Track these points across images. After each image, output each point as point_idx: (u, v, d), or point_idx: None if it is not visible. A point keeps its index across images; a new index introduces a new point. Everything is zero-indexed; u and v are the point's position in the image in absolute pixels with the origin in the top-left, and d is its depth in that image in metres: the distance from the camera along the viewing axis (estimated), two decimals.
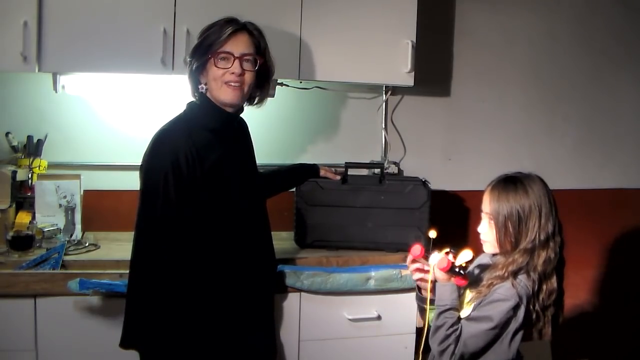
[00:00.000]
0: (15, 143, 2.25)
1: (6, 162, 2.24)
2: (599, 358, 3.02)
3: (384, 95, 2.66)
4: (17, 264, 1.96)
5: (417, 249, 1.56)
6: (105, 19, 2.03)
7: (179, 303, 1.63)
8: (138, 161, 1.67)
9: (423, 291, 1.65)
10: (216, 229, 1.70)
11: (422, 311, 1.69)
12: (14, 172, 2.17)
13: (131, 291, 1.63)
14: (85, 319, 1.86)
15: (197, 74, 1.72)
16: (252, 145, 1.92)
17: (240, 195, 1.76)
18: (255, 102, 1.83)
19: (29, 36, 1.95)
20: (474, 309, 1.57)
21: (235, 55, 1.67)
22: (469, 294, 1.63)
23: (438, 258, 1.53)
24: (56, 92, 2.16)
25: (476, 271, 1.70)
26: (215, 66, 1.67)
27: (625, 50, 3.01)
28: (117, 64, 2.05)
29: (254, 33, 1.72)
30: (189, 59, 1.75)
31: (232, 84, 1.67)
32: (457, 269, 1.53)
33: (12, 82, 2.28)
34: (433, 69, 2.70)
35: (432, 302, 1.57)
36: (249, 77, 1.70)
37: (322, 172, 2.24)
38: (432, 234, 1.60)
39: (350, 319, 2.10)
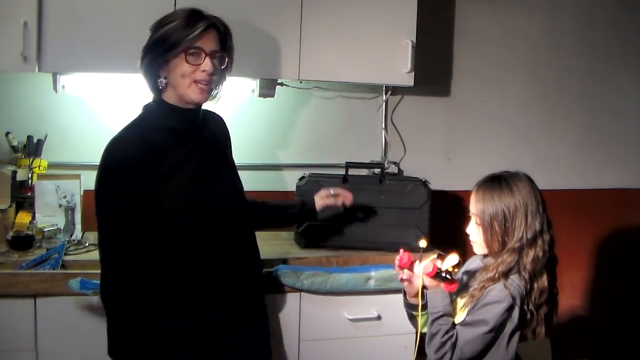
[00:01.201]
0: (15, 143, 2.25)
1: (6, 162, 2.24)
2: (599, 358, 3.02)
3: (384, 95, 2.66)
4: (17, 264, 1.96)
5: (405, 257, 1.54)
6: (105, 19, 2.03)
7: (157, 311, 1.56)
8: None
9: (408, 296, 1.62)
10: (186, 233, 1.60)
11: (410, 317, 1.67)
12: (14, 172, 2.17)
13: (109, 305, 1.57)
14: (85, 319, 1.86)
15: (157, 68, 1.61)
16: (229, 141, 1.83)
17: (208, 196, 1.65)
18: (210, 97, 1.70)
19: (29, 36, 1.95)
20: (468, 314, 1.54)
21: (206, 52, 1.58)
22: (461, 300, 1.60)
23: (424, 264, 1.51)
24: (56, 92, 2.17)
25: (466, 276, 1.68)
26: (186, 62, 1.57)
27: (626, 49, 3.01)
28: (117, 64, 2.04)
29: (221, 29, 1.64)
30: (145, 52, 1.63)
31: (202, 83, 1.59)
32: (443, 274, 1.50)
33: (12, 82, 2.28)
34: (433, 69, 2.70)
35: (422, 307, 1.55)
36: (216, 75, 1.63)
37: (319, 204, 2.04)
38: (423, 243, 1.58)
39: (350, 319, 2.10)
